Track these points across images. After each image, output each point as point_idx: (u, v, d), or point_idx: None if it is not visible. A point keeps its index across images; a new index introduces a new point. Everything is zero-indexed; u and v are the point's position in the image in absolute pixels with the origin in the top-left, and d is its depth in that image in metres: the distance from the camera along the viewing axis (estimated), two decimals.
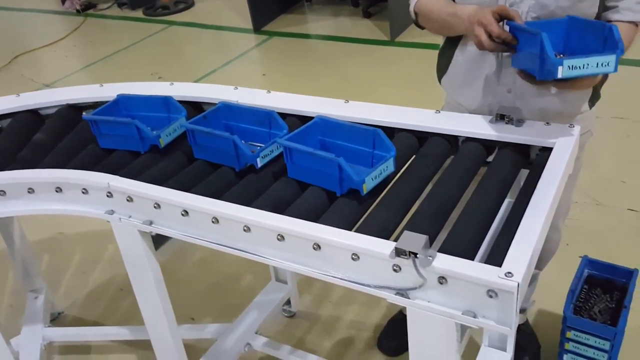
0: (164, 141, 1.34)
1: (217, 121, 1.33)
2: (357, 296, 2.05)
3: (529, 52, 1.09)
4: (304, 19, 4.90)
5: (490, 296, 0.87)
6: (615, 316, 1.53)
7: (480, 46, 1.15)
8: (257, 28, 4.63)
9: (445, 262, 0.89)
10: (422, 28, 1.40)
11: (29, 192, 1.33)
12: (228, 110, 1.35)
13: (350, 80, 3.64)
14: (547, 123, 1.20)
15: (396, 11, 3.98)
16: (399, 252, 0.89)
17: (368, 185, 1.08)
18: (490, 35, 1.12)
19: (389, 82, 3.54)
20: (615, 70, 1.01)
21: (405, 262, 0.91)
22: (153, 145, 1.36)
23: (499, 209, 1.08)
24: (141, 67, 4.28)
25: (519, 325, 1.75)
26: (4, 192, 1.33)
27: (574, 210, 2.33)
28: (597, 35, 1.08)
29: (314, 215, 1.07)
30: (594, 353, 1.53)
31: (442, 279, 0.90)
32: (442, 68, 1.42)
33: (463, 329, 0.98)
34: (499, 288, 0.84)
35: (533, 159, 1.19)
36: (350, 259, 0.98)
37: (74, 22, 5.53)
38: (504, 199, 1.10)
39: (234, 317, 1.81)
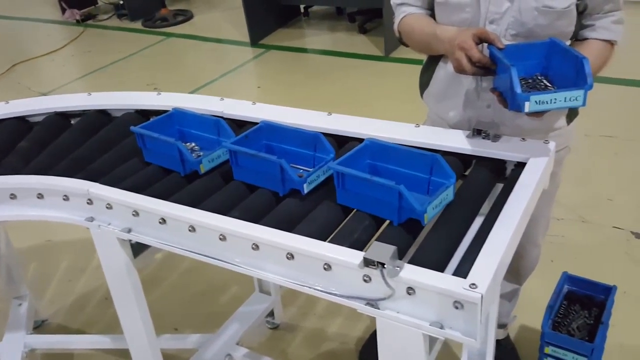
0: (204, 167, 1.25)
1: (258, 141, 1.27)
2: (341, 309, 2.05)
3: (504, 79, 1.11)
4: (301, 33, 4.95)
5: (456, 307, 0.87)
6: (593, 332, 1.53)
7: (460, 70, 1.16)
8: (255, 41, 4.67)
9: (412, 273, 0.90)
10: (406, 46, 1.42)
11: (10, 197, 1.34)
12: (270, 130, 1.29)
13: (345, 94, 3.68)
14: (523, 139, 1.22)
15: (391, 28, 4.00)
16: (367, 262, 0.90)
17: (429, 215, 1.01)
18: (470, 60, 1.14)
19: (383, 95, 3.58)
20: (584, 104, 1.03)
21: (374, 273, 0.92)
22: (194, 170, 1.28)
23: (472, 222, 1.09)
24: (138, 77, 4.31)
25: (500, 340, 1.75)
26: None
27: (560, 227, 2.35)
28: (572, 65, 1.09)
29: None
30: None
31: (410, 290, 0.91)
32: (424, 83, 1.44)
33: (432, 340, 0.99)
34: (463, 299, 0.85)
35: (508, 174, 1.21)
36: (322, 269, 0.99)
37: (73, 32, 5.58)
38: (477, 213, 1.11)
39: (217, 328, 1.81)
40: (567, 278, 1.69)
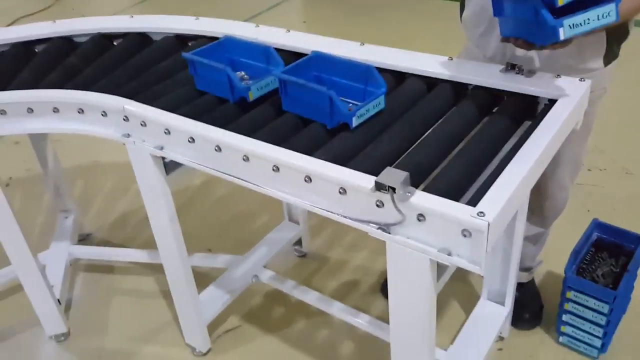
0: (253, 95, 1.25)
1: (308, 72, 1.24)
2: (366, 242, 2.09)
3: (519, 17, 1.04)
4: None
5: (464, 235, 0.89)
6: (618, 281, 1.52)
7: None
8: None
9: (422, 199, 0.91)
10: None
11: (54, 111, 1.41)
12: (321, 61, 1.26)
13: (391, 31, 3.59)
14: (558, 75, 1.18)
15: None
16: (378, 187, 0.92)
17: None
18: None
19: (431, 35, 3.48)
20: (617, 19, 0.97)
21: (386, 198, 0.94)
22: (243, 98, 1.28)
23: (495, 156, 1.08)
24: (186, 7, 4.33)
25: (524, 283, 1.76)
26: (32, 110, 1.42)
27: (602, 176, 2.28)
28: None
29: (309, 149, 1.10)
30: (592, 315, 1.53)
31: (420, 217, 0.92)
32: (463, 6, 1.40)
33: (441, 268, 1.01)
34: (470, 227, 0.86)
35: (540, 111, 1.18)
36: (338, 193, 1.01)
37: None
38: (501, 146, 1.10)
39: (246, 251, 1.89)
40: (597, 225, 1.67)
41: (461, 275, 1.88)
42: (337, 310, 1.67)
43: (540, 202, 1.52)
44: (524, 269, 1.70)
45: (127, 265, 2.08)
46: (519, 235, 1.44)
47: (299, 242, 2.04)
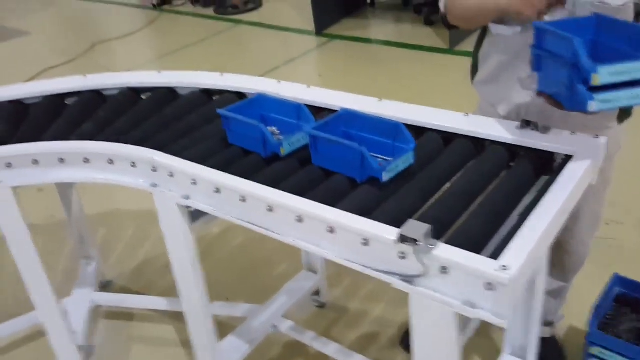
0: (285, 150, 1.29)
1: (337, 128, 1.28)
2: (385, 293, 2.09)
3: (555, 77, 1.07)
4: (366, 23, 4.97)
5: (488, 289, 0.90)
6: None
7: (529, 11, 1.15)
8: (319, 30, 4.74)
9: (445, 252, 0.93)
10: (449, 28, 1.42)
11: (84, 161, 1.47)
12: (350, 118, 1.30)
13: (406, 85, 3.68)
14: (573, 132, 1.22)
15: None
16: (402, 239, 0.95)
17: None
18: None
19: (444, 89, 3.56)
20: None
21: (409, 250, 0.96)
22: (275, 153, 1.32)
23: (513, 210, 1.10)
24: (207, 61, 4.48)
25: (546, 339, 1.74)
26: (63, 160, 1.48)
27: (619, 230, 2.28)
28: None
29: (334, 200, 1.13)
30: None
31: (444, 269, 0.94)
32: (475, 67, 1.45)
33: (466, 320, 1.02)
34: (494, 280, 0.88)
35: (556, 167, 1.21)
36: (360, 244, 1.04)
37: (149, 16, 5.84)
38: (519, 202, 1.13)
39: (265, 300, 1.90)
40: (618, 280, 1.66)
41: (483, 329, 1.86)
42: None
43: (561, 257, 1.53)
44: (546, 323, 1.69)
45: (147, 313, 2.09)
46: (540, 288, 1.44)
47: (317, 292, 2.04)
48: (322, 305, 2.07)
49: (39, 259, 1.61)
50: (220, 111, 1.38)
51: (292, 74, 4.10)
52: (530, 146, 1.21)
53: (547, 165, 1.21)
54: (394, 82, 3.75)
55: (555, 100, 1.11)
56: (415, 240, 0.93)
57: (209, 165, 1.29)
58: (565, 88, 1.05)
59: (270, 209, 1.16)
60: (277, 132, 1.42)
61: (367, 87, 3.64)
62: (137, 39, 5.28)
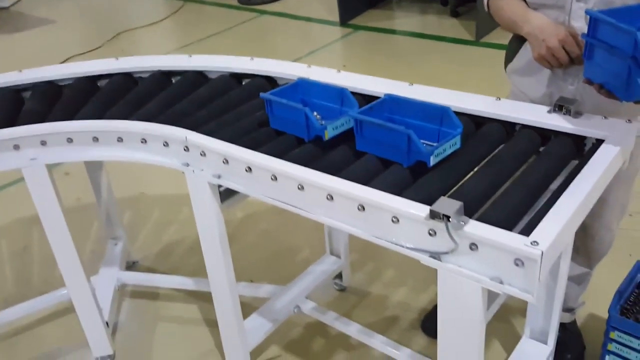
0: (329, 134, 1.29)
1: (381, 113, 1.28)
2: (407, 279, 2.11)
3: (608, 67, 1.06)
4: (391, 14, 4.96)
5: (517, 264, 0.92)
6: None
7: (548, 58, 1.23)
8: (344, 21, 4.74)
9: (475, 228, 0.95)
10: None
11: (118, 140, 1.51)
12: (394, 103, 1.30)
13: (430, 77, 3.68)
14: (605, 117, 1.22)
15: (483, 11, 3.94)
16: (433, 215, 0.96)
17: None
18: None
19: (469, 81, 3.55)
20: None
21: (439, 227, 0.98)
22: (317, 136, 1.31)
23: (543, 192, 1.11)
24: (231, 51, 4.49)
25: (566, 324, 1.75)
26: (97, 139, 1.52)
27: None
28: None
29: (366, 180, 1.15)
30: (636, 357, 1.51)
31: (473, 246, 0.96)
32: (509, 56, 1.46)
33: (491, 297, 1.03)
34: (524, 255, 0.89)
35: (587, 151, 1.21)
36: (390, 221, 1.06)
37: (174, 5, 5.89)
38: (549, 184, 1.14)
39: (288, 283, 1.93)
40: None
41: (501, 314, 1.87)
42: (378, 343, 1.69)
43: (586, 242, 1.53)
44: (566, 309, 1.70)
45: (171, 293, 2.14)
46: (563, 273, 1.44)
47: (339, 276, 2.07)
48: (343, 289, 2.09)
49: (70, 237, 1.65)
50: (263, 95, 1.37)
51: (317, 63, 4.07)
52: (561, 130, 1.22)
53: (578, 150, 1.21)
54: (418, 73, 3.74)
55: (605, 90, 1.11)
56: (447, 217, 0.94)
57: (260, 150, 1.28)
58: (620, 79, 1.04)
59: (301, 187, 1.18)
60: (319, 117, 1.39)
61: (391, 78, 3.64)
62: (161, 27, 5.34)
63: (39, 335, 2.03)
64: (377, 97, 1.34)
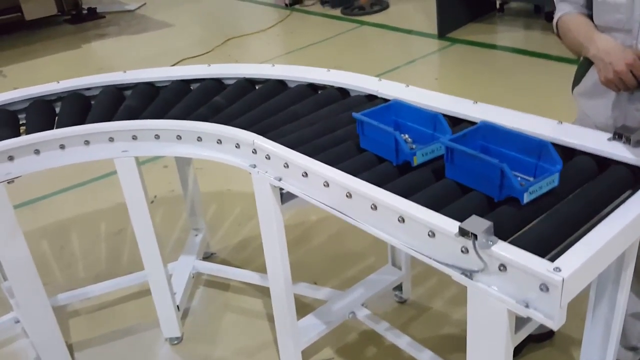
0: (417, 160, 1.26)
1: (474, 141, 1.23)
2: None
3: None
4: (492, 29, 4.85)
5: (542, 289, 0.92)
6: None
7: (616, 81, 1.22)
8: (442, 34, 4.72)
9: (503, 249, 0.96)
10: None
11: (197, 140, 1.66)
12: (489, 131, 1.24)
13: (525, 95, 3.56)
14: None
15: None
16: (462, 232, 0.99)
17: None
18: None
19: (567, 101, 3.39)
20: None
21: (470, 245, 1.00)
22: (406, 162, 1.29)
23: (590, 220, 1.09)
24: (329, 59, 4.66)
25: None
26: (180, 137, 1.67)
27: None
28: None
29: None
30: None
31: (502, 267, 0.97)
32: (577, 79, 1.43)
33: (523, 320, 1.03)
34: (546, 280, 0.90)
35: None
36: (427, 235, 1.09)
37: (281, 14, 6.17)
38: (598, 212, 1.11)
39: (348, 288, 1.99)
40: None
41: (561, 343, 1.80)
42: (428, 358, 1.70)
43: None
44: (629, 347, 1.61)
45: (241, 285, 2.28)
46: (620, 305, 1.38)
47: (399, 288, 2.09)
48: (403, 301, 2.11)
49: (152, 226, 1.82)
50: (355, 115, 1.36)
51: (410, 75, 4.14)
52: (618, 159, 1.18)
53: (635, 180, 1.17)
54: (512, 90, 3.64)
55: None
56: (475, 235, 0.96)
57: (340, 167, 1.30)
58: None
59: (349, 196, 1.24)
60: (410, 140, 1.38)
61: (482, 93, 3.58)
62: (267, 35, 5.61)
63: (120, 311, 2.24)
64: (436, 112, 1.35)
